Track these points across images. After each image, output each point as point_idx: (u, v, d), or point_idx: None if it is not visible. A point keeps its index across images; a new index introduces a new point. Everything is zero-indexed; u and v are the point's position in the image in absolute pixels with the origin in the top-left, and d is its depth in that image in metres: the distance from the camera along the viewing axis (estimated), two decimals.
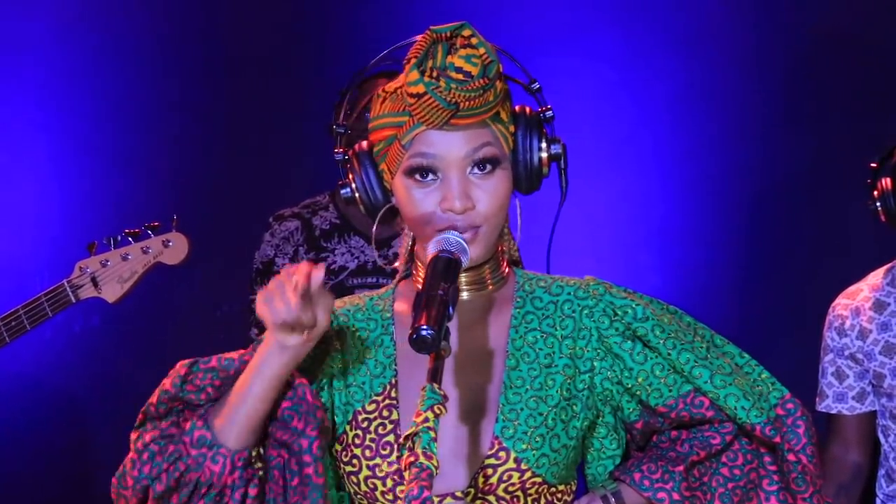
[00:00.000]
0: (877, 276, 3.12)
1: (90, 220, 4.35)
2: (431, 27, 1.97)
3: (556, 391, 2.01)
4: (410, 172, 1.96)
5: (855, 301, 3.11)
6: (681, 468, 2.03)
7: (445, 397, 1.73)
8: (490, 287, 2.06)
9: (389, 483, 1.98)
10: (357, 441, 2.00)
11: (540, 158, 2.03)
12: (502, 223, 2.03)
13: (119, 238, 3.25)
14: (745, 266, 4.37)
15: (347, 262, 3.49)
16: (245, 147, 4.29)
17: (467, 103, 1.91)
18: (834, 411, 3.15)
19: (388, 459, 1.98)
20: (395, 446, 1.99)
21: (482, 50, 1.94)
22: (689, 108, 4.36)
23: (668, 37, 4.35)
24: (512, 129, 2.01)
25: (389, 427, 2.00)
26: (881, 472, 3.14)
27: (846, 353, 3.12)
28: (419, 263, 2.05)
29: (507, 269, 2.10)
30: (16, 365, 4.21)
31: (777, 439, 1.99)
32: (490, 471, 1.96)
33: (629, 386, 2.03)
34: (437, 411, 1.71)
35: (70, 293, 3.24)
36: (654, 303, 2.11)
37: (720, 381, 2.01)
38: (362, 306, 2.11)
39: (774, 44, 4.34)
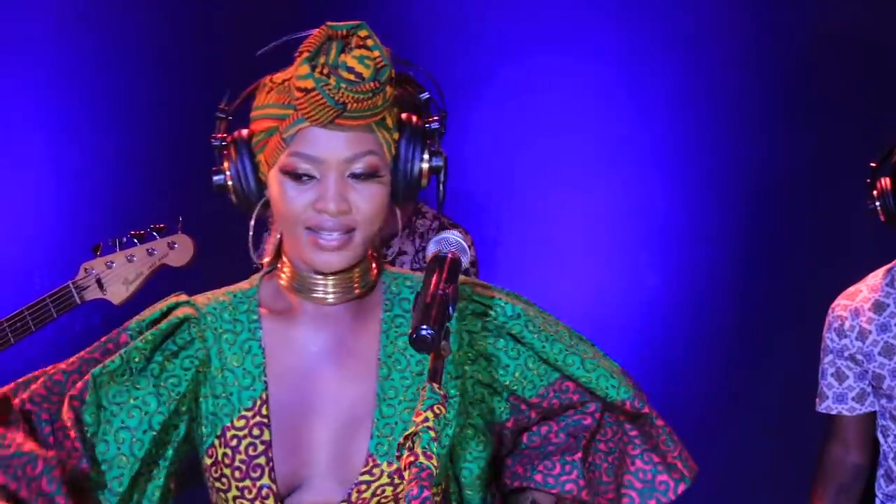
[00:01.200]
0: (876, 277, 3.12)
1: (90, 221, 4.35)
2: (328, 23, 1.92)
3: None
4: (288, 169, 1.90)
5: (854, 302, 3.11)
6: (579, 455, 2.09)
7: (445, 397, 1.73)
8: (357, 291, 1.99)
9: None
10: (227, 460, 1.95)
11: (420, 169, 1.97)
12: (376, 229, 1.96)
13: (124, 240, 3.25)
14: (745, 265, 4.37)
15: None
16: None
17: (355, 105, 1.86)
18: (834, 412, 3.14)
19: (259, 482, 1.94)
20: (267, 469, 1.94)
21: (377, 53, 1.89)
22: (689, 107, 4.36)
23: (667, 35, 4.35)
24: (396, 136, 1.96)
25: (261, 448, 1.95)
26: (880, 472, 3.14)
27: (846, 353, 3.11)
28: (286, 260, 1.98)
29: (374, 273, 2.02)
30: (19, 363, 4.21)
31: (645, 409, 2.10)
32: (364, 486, 1.95)
33: (506, 383, 2.05)
34: (437, 411, 1.70)
35: (75, 294, 3.24)
36: (516, 296, 2.10)
37: (590, 364, 2.06)
38: (228, 304, 2.02)
39: (774, 42, 4.33)
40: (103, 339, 2.00)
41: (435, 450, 1.68)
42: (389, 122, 1.94)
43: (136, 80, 4.37)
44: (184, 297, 2.02)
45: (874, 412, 3.13)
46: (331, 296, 1.98)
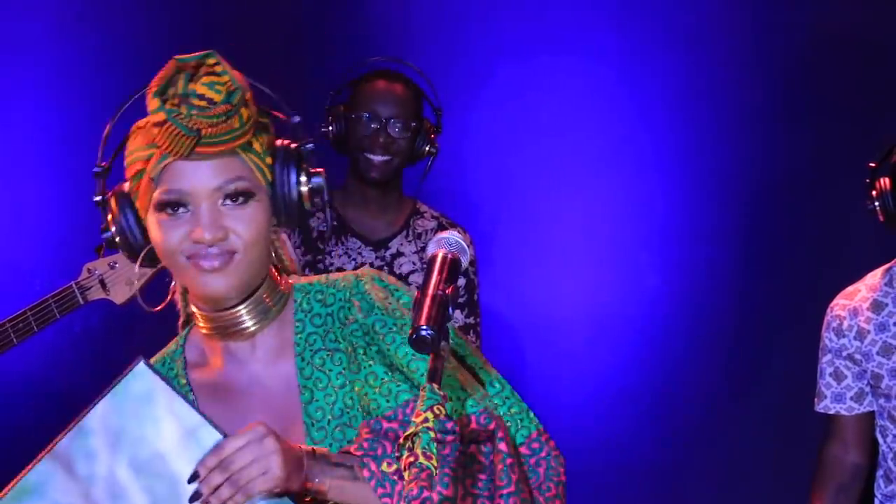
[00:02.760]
0: (875, 277, 3.13)
1: (92, 222, 4.35)
2: (176, 56, 1.92)
3: (358, 409, 1.96)
4: (161, 207, 1.90)
5: (853, 301, 3.11)
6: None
7: (445, 397, 1.72)
8: (274, 308, 1.97)
9: None
10: None
11: (300, 192, 1.95)
12: (262, 252, 1.94)
13: None
14: (745, 265, 4.38)
15: (344, 264, 3.49)
16: None
17: (210, 129, 1.85)
18: (832, 412, 3.15)
19: None
20: None
21: (226, 77, 1.88)
22: (688, 107, 4.37)
23: (666, 35, 4.36)
24: (269, 160, 1.94)
25: None
26: (879, 472, 3.14)
27: (844, 353, 3.12)
28: (194, 308, 1.98)
29: (284, 287, 2.00)
30: (20, 364, 4.22)
31: (492, 426, 1.92)
32: None
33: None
34: (437, 412, 1.70)
35: (78, 295, 3.24)
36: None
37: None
38: (166, 358, 2.04)
39: (773, 42, 4.34)
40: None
41: (435, 450, 1.68)
42: (257, 146, 1.92)
43: (137, 81, 4.37)
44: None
45: (873, 412, 3.13)
46: (251, 324, 1.96)
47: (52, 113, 4.43)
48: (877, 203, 3.03)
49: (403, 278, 3.43)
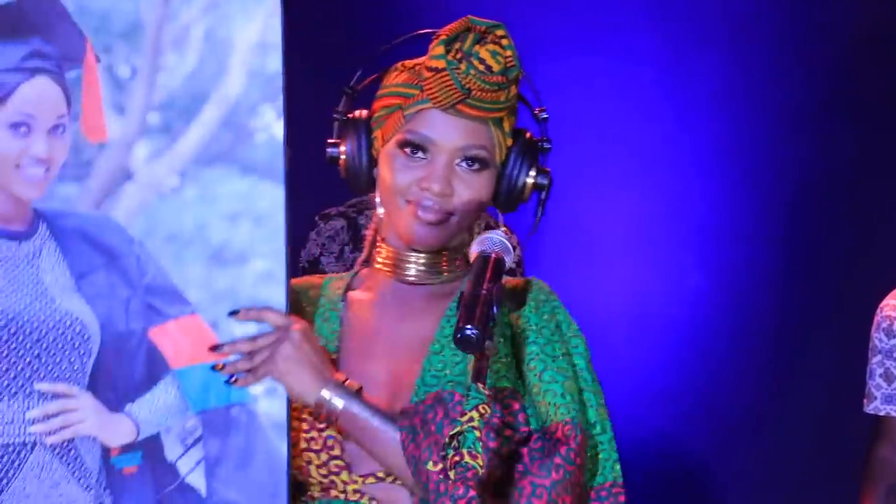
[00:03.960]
0: None
1: None
2: (470, 17, 1.99)
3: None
4: (403, 144, 1.99)
5: None
6: None
7: (490, 396, 1.74)
8: (446, 275, 2.06)
9: (324, 457, 1.97)
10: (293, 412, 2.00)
11: (525, 182, 2.05)
12: (473, 220, 2.04)
13: None
14: (786, 265, 4.35)
15: None
16: (292, 145, 4.28)
17: (480, 93, 1.95)
18: (882, 413, 3.12)
19: (325, 433, 1.97)
20: (324, 438, 1.97)
21: (509, 52, 1.97)
22: (727, 107, 4.35)
23: (705, 35, 4.34)
24: (509, 142, 2.03)
25: None
26: None
27: (895, 354, 3.09)
28: (381, 243, 2.07)
29: (460, 262, 2.09)
30: None
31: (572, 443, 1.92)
32: None
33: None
34: (482, 411, 1.71)
35: None
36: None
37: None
38: (315, 284, 2.14)
39: (813, 41, 4.31)
40: None
41: (480, 449, 1.69)
42: (506, 125, 2.02)
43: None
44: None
45: None
46: (417, 273, 2.05)
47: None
48: None
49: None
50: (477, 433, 1.70)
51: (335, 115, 2.07)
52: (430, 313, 2.05)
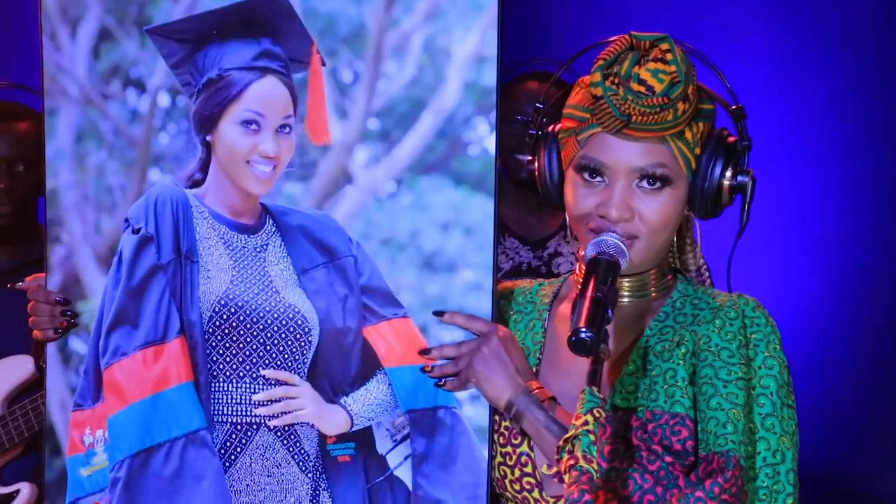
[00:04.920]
0: None
1: None
2: (632, 32, 1.92)
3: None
4: (580, 169, 1.96)
5: None
6: None
7: (605, 401, 1.75)
8: (653, 294, 2.03)
9: (517, 473, 2.01)
10: (493, 426, 2.04)
11: (720, 185, 1.97)
12: (665, 239, 1.99)
13: None
14: None
15: (502, 264, 3.42)
16: None
17: (640, 118, 1.88)
18: None
19: (519, 449, 2.01)
20: (518, 455, 2.01)
21: (673, 68, 1.89)
22: (846, 107, 4.12)
23: (823, 34, 4.10)
24: (698, 150, 1.95)
25: None
26: None
27: None
28: (582, 262, 2.01)
29: (670, 280, 2.05)
30: None
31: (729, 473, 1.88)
32: None
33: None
34: (597, 415, 1.73)
35: None
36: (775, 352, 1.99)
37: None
38: (526, 289, 2.15)
39: None
40: None
41: (595, 453, 1.70)
42: (689, 135, 1.94)
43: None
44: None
45: None
46: (625, 297, 2.03)
47: None
48: None
49: None
50: (592, 437, 1.71)
51: (530, 131, 2.05)
52: (630, 332, 2.03)
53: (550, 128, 2.03)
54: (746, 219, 2.03)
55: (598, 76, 1.90)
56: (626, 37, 1.92)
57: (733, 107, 2.02)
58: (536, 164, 2.04)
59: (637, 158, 1.92)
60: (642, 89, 1.88)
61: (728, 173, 1.98)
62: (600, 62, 1.91)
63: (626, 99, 1.88)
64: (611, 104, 1.88)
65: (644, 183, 1.94)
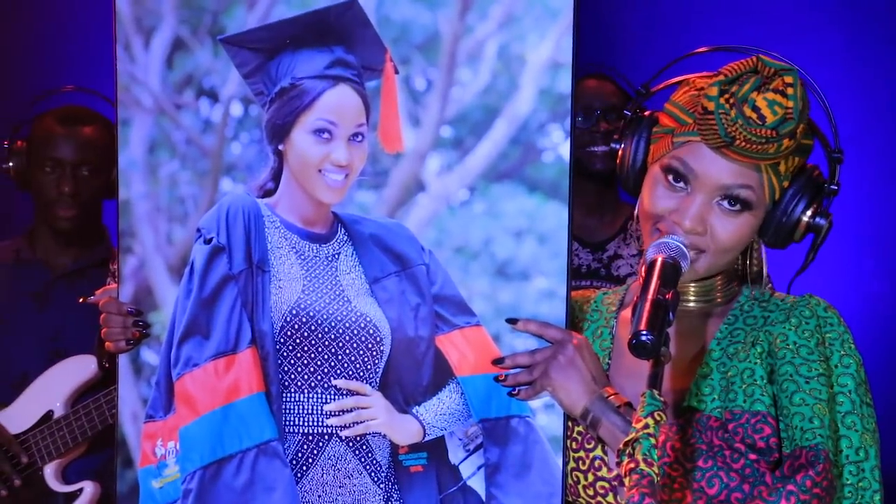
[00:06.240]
0: None
1: None
2: (761, 56, 1.91)
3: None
4: (667, 170, 1.95)
5: None
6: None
7: (665, 404, 1.75)
8: (719, 300, 2.03)
9: (591, 477, 2.00)
10: (566, 432, 2.04)
11: (798, 222, 1.96)
12: (731, 259, 1.99)
13: None
14: None
15: None
16: None
17: (744, 143, 1.87)
18: None
19: (592, 453, 2.00)
20: (591, 459, 2.00)
21: (791, 104, 1.87)
22: None
23: (891, 35, 4.05)
24: (786, 184, 1.95)
25: None
26: None
27: None
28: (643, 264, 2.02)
29: (735, 286, 2.05)
30: None
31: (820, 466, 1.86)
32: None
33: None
34: (658, 418, 1.72)
35: None
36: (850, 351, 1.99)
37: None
38: (591, 298, 2.16)
39: None
40: None
41: (655, 457, 1.69)
42: (783, 167, 1.94)
43: None
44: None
45: None
46: (691, 302, 2.04)
47: None
48: None
49: (621, 281, 3.33)
50: (652, 440, 1.70)
51: (626, 112, 2.04)
52: (700, 336, 2.03)
53: (649, 114, 2.02)
54: (812, 258, 2.02)
55: (714, 90, 1.89)
56: (754, 59, 1.91)
57: (833, 149, 2.00)
58: (623, 146, 2.02)
59: (726, 177, 1.92)
60: (754, 116, 1.87)
61: (808, 212, 1.97)
62: (721, 77, 1.90)
63: (735, 121, 1.87)
64: (719, 122, 1.88)
65: (725, 202, 1.93)
